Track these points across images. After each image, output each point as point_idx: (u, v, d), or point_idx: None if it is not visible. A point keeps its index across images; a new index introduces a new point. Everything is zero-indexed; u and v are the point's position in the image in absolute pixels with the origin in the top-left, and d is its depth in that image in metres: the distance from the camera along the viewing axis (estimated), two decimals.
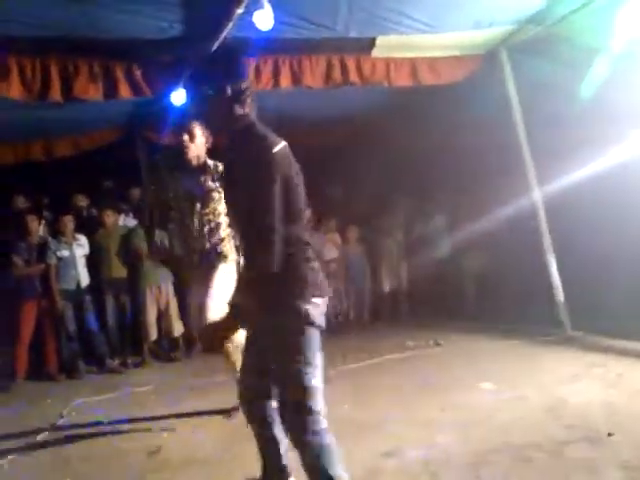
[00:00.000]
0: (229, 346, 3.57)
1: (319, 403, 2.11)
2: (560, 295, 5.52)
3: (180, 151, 3.68)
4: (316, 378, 2.11)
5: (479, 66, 5.67)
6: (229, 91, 2.20)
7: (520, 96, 5.62)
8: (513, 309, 6.62)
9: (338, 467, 2.10)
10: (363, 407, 3.83)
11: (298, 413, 2.09)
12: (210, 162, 3.72)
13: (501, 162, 6.78)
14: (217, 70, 2.42)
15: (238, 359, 3.48)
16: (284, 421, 2.21)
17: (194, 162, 3.70)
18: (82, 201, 6.95)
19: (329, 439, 2.11)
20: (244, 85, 2.25)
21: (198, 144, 3.69)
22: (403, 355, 5.34)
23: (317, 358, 2.13)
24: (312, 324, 2.12)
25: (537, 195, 5.62)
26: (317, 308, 2.14)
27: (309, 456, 2.10)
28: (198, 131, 3.67)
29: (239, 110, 2.21)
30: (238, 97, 2.21)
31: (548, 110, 5.90)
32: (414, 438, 3.22)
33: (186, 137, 3.66)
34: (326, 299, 2.20)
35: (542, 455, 2.84)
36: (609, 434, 2.98)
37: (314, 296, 2.13)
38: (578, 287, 5.69)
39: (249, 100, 2.23)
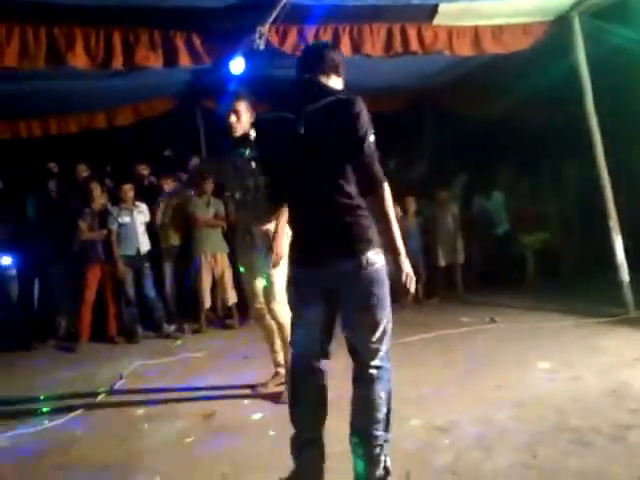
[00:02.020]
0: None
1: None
2: (625, 275, 5.30)
3: (227, 130, 3.70)
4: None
5: (547, 34, 5.41)
6: None
7: (592, 67, 5.34)
8: (574, 287, 6.43)
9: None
10: (417, 381, 3.80)
11: None
12: (252, 134, 3.72)
13: (567, 138, 6.52)
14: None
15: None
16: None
17: (238, 134, 3.71)
18: (144, 170, 7.10)
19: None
20: None
21: (244, 121, 3.69)
22: (457, 330, 5.26)
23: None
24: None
25: (604, 173, 5.37)
26: None
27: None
28: (244, 108, 3.68)
29: None
30: None
31: (623, 84, 5.59)
32: (469, 414, 3.18)
33: (233, 118, 3.66)
34: None
35: (602, 439, 2.75)
36: None
37: None
38: None
39: None
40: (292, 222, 2.57)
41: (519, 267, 7.48)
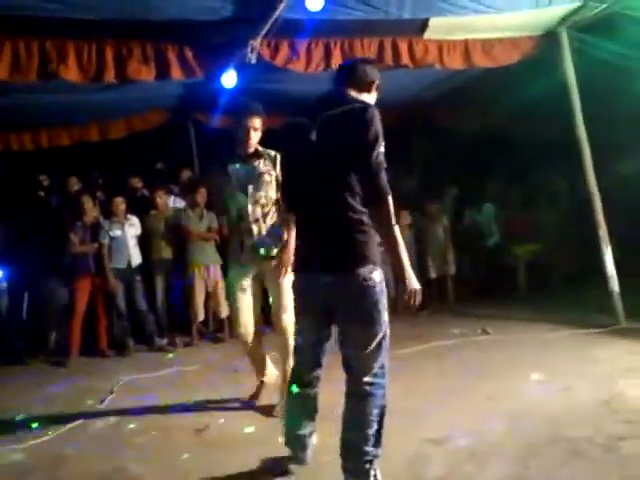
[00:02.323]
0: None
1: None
2: (615, 285, 5.33)
3: (242, 144, 3.68)
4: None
5: (536, 48, 5.48)
6: None
7: (580, 81, 5.40)
8: (566, 298, 6.45)
9: None
10: (409, 393, 3.79)
11: None
12: (261, 148, 3.74)
13: (556, 151, 6.58)
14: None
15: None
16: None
17: (250, 150, 3.71)
18: (137, 182, 7.09)
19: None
20: None
21: (258, 135, 3.72)
22: (450, 342, 5.26)
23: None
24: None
25: (593, 185, 5.41)
26: None
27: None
28: (260, 124, 3.69)
29: None
30: None
31: (611, 97, 5.65)
32: (461, 426, 3.17)
33: (253, 134, 3.66)
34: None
35: (596, 449, 2.75)
36: None
37: None
38: (634, 277, 5.51)
39: None
40: (297, 229, 2.59)
41: (511, 278, 7.52)
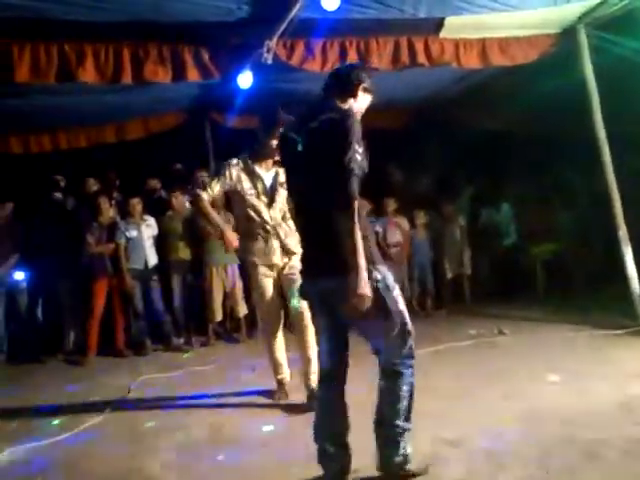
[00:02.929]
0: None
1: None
2: (635, 286, 5.26)
3: (271, 152, 3.78)
4: None
5: (554, 46, 5.42)
6: None
7: (599, 79, 5.34)
8: (584, 299, 6.38)
9: None
10: (425, 394, 3.75)
11: None
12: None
13: (575, 149, 6.50)
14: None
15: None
16: None
17: (276, 159, 3.78)
18: (156, 184, 7.14)
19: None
20: None
21: None
22: (466, 343, 5.23)
23: None
24: None
25: (613, 184, 5.35)
26: None
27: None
28: None
29: None
30: None
31: (630, 95, 5.57)
32: (478, 427, 3.15)
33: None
34: None
35: (614, 452, 2.71)
36: None
37: None
38: None
39: None
40: (300, 236, 2.77)
41: (528, 279, 7.45)
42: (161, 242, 6.40)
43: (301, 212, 2.61)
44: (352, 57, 4.94)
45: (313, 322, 2.70)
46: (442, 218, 7.40)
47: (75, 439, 3.58)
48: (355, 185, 2.26)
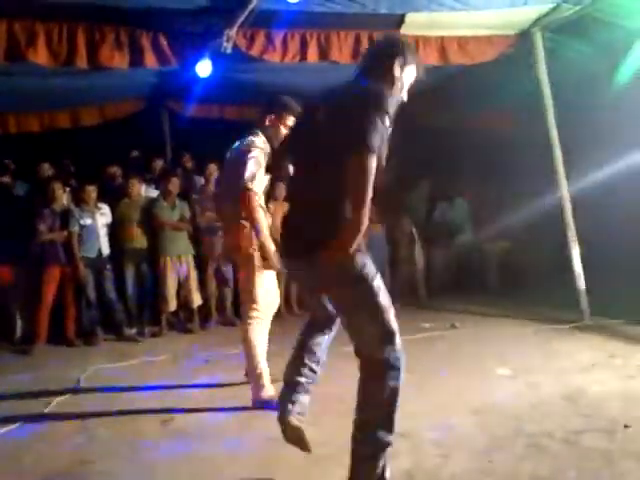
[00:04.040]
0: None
1: None
2: (581, 283, 5.44)
3: (277, 138, 3.64)
4: None
5: (511, 47, 5.53)
6: None
7: (552, 80, 5.48)
8: (534, 295, 6.57)
9: None
10: None
11: None
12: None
13: (528, 149, 6.66)
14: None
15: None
16: None
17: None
18: (115, 171, 6.98)
19: None
20: None
21: None
22: (418, 336, 5.31)
23: None
24: None
25: (563, 185, 5.51)
26: None
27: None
28: None
29: None
30: None
31: (581, 96, 5.74)
32: (427, 420, 3.20)
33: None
34: None
35: (556, 443, 2.80)
36: (626, 426, 2.94)
37: None
38: (601, 276, 5.62)
39: None
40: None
41: (482, 275, 7.61)
42: (116, 230, 6.27)
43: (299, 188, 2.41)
44: (313, 50, 4.95)
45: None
46: (396, 214, 7.47)
47: (19, 431, 3.48)
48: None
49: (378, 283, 2.25)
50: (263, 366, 3.59)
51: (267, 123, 3.64)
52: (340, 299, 2.28)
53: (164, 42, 4.66)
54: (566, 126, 5.44)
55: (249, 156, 3.51)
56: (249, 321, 3.61)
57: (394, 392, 2.31)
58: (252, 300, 3.61)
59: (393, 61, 2.29)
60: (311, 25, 4.88)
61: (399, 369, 2.33)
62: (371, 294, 2.22)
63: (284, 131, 3.60)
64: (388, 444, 2.26)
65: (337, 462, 2.50)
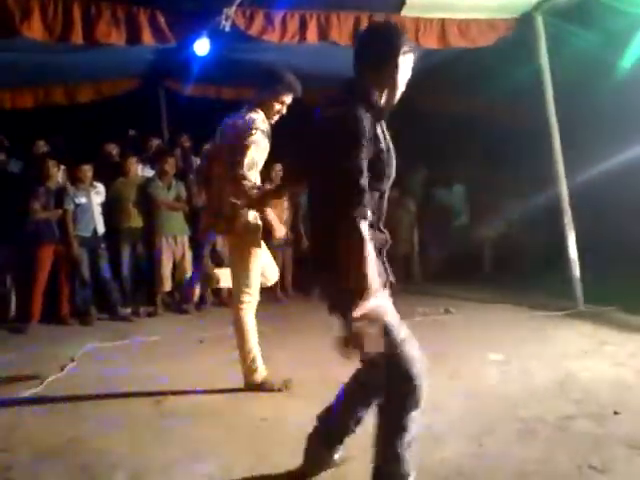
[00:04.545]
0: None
1: None
2: (576, 270, 5.46)
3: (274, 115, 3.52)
4: None
5: (512, 31, 5.49)
6: None
7: (553, 64, 5.44)
8: (529, 281, 6.59)
9: None
10: None
11: None
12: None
13: (527, 135, 6.63)
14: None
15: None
16: None
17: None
18: (113, 149, 6.91)
19: None
20: None
21: None
22: (412, 321, 5.32)
23: None
24: None
25: (561, 172, 5.50)
26: None
27: None
28: None
29: None
30: None
31: (582, 81, 5.71)
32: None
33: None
34: None
35: (547, 428, 2.83)
36: (615, 412, 2.97)
37: None
38: (596, 263, 5.64)
39: None
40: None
41: (477, 260, 7.63)
42: (111, 209, 6.24)
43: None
44: (312, 30, 4.90)
45: None
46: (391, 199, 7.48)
47: (11, 409, 3.48)
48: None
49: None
50: (255, 349, 3.56)
51: (265, 99, 3.46)
52: None
53: (162, 19, 4.60)
54: (567, 112, 5.42)
55: (250, 140, 3.33)
56: (241, 306, 3.51)
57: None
58: (246, 284, 3.49)
59: (392, 52, 2.12)
60: (311, 6, 4.84)
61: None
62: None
63: (278, 107, 3.48)
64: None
65: None
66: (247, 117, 3.41)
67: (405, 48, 2.11)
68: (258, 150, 3.40)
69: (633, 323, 4.79)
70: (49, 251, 5.82)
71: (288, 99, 3.48)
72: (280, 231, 3.49)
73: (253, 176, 3.40)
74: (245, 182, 3.31)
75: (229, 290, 3.95)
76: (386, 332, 2.01)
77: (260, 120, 3.42)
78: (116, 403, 3.51)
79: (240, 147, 3.34)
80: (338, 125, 1.97)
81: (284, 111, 3.53)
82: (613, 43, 5.15)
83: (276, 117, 3.53)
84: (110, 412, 3.36)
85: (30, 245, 5.81)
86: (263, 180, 3.71)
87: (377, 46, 2.11)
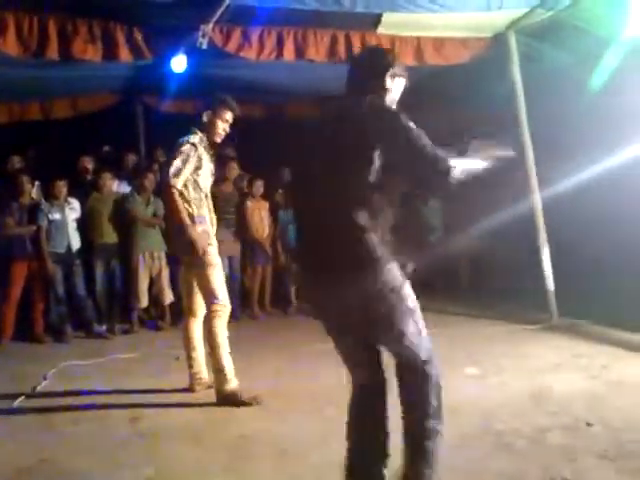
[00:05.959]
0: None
1: None
2: (550, 284, 5.53)
3: (216, 135, 3.79)
4: None
5: (486, 49, 5.59)
6: None
7: (526, 82, 5.56)
8: (505, 295, 6.64)
9: None
10: (344, 386, 3.82)
11: None
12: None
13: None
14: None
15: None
16: None
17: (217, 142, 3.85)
18: (88, 163, 6.85)
19: None
20: None
21: None
22: None
23: None
24: None
25: (535, 186, 5.60)
26: None
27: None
28: None
29: None
30: None
31: (554, 99, 5.82)
32: (397, 419, 3.21)
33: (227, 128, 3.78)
34: None
35: (522, 441, 2.85)
36: (588, 424, 3.00)
37: None
38: (569, 277, 5.71)
39: None
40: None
41: (453, 273, 7.68)
42: (85, 225, 6.18)
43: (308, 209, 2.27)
44: (289, 47, 4.95)
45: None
46: None
47: None
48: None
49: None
50: (226, 359, 3.62)
51: (205, 119, 3.74)
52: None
53: (139, 36, 4.61)
54: (539, 128, 5.52)
55: (178, 151, 3.64)
56: (213, 315, 3.65)
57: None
58: (214, 296, 3.66)
59: (385, 74, 2.26)
60: (287, 23, 4.88)
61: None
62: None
63: (222, 125, 3.74)
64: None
65: (303, 455, 2.51)
66: (182, 139, 3.73)
67: (397, 71, 2.27)
68: (186, 163, 3.62)
69: (606, 335, 4.86)
70: (22, 267, 5.73)
71: (227, 115, 3.74)
72: (199, 250, 3.60)
73: (197, 196, 3.70)
74: (172, 190, 3.56)
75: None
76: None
77: (196, 138, 3.71)
78: (91, 422, 3.46)
79: (168, 160, 3.74)
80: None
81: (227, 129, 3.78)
82: (583, 62, 5.27)
83: (218, 133, 3.77)
84: (84, 431, 3.31)
85: (2, 261, 5.72)
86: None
87: (377, 60, 2.29)
